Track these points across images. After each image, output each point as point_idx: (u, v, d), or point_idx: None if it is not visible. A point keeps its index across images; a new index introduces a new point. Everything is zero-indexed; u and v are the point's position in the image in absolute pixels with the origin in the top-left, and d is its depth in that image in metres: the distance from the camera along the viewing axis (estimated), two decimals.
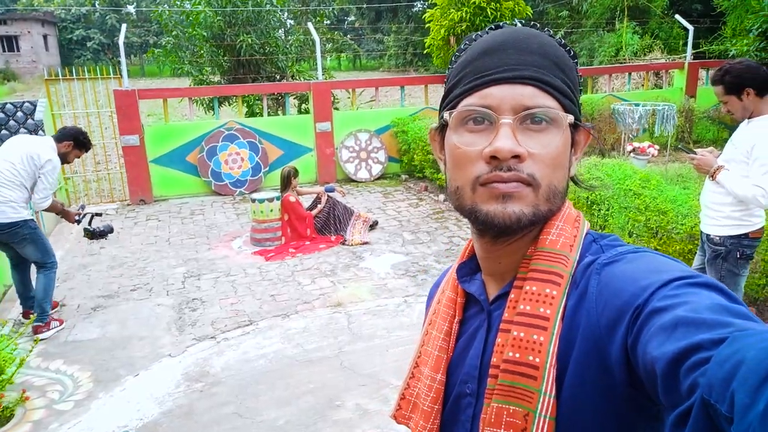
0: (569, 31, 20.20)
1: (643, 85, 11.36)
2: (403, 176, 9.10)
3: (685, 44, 13.57)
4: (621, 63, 14.60)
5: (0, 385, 3.21)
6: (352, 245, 6.07)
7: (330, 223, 6.37)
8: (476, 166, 0.69)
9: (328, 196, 6.50)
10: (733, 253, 3.08)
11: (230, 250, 6.10)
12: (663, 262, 0.64)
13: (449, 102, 0.74)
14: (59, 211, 4.58)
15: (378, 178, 9.08)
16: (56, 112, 8.13)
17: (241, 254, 5.98)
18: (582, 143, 0.76)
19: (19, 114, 9.40)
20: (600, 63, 16.76)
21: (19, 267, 4.50)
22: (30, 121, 9.37)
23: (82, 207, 4.82)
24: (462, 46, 0.76)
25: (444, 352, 0.81)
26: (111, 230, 4.85)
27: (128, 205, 8.09)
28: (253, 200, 6.14)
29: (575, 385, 0.65)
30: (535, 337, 0.66)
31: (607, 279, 0.65)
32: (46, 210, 4.42)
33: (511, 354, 0.67)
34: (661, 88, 11.35)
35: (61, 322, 4.52)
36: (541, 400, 0.65)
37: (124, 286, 5.20)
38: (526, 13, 9.10)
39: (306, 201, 6.68)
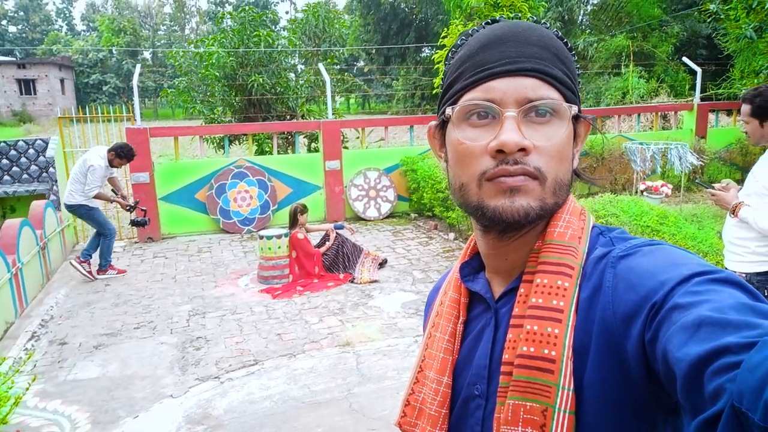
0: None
1: (651, 128, 11.37)
2: (413, 215, 9.03)
3: (691, 88, 13.65)
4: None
5: None
6: (360, 283, 5.94)
7: (338, 260, 6.26)
8: (481, 162, 0.68)
9: (336, 233, 6.42)
10: (760, 290, 2.94)
11: (237, 288, 5.99)
12: (681, 256, 0.63)
13: (450, 97, 0.72)
14: (110, 200, 6.42)
15: (387, 217, 9.02)
16: (68, 149, 8.20)
17: (247, 292, 5.86)
18: (583, 135, 0.75)
19: (31, 151, 9.50)
20: (607, 105, 16.88)
21: (97, 233, 6.42)
22: (41, 158, 9.47)
23: (137, 202, 6.68)
24: (458, 42, 0.75)
25: (449, 354, 0.79)
26: (147, 222, 6.69)
27: (136, 242, 8.04)
28: (261, 237, 6.07)
29: (594, 379, 0.63)
30: (550, 329, 0.65)
31: (623, 273, 0.64)
32: (96, 197, 6.15)
33: (525, 348, 0.65)
34: (668, 130, 11.35)
35: (121, 272, 6.47)
36: (559, 394, 0.63)
37: (127, 324, 5.08)
38: None
39: (315, 238, 6.59)
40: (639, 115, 11.37)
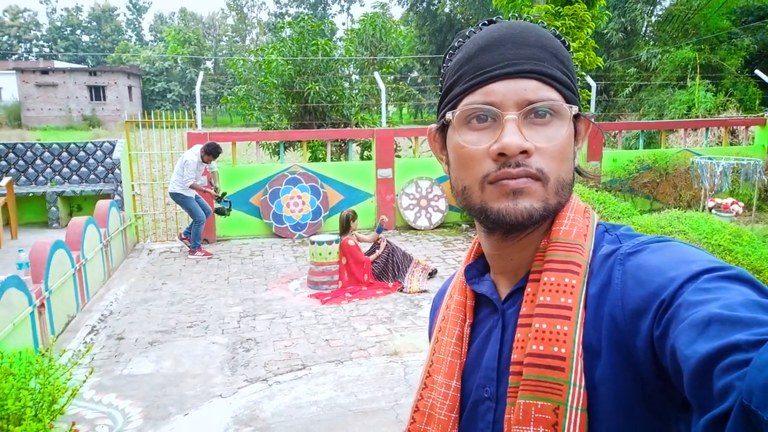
0: (638, 86, 19.78)
1: (720, 143, 10.81)
2: (464, 226, 8.89)
3: (762, 103, 12.90)
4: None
5: (51, 415, 3.15)
6: (410, 293, 5.87)
7: (388, 269, 6.21)
8: (483, 165, 0.68)
9: (387, 242, 6.37)
10: None
11: (287, 292, 6.03)
12: (690, 252, 0.62)
13: (450, 101, 0.72)
14: (203, 190, 7.48)
15: (437, 227, 8.92)
16: (133, 152, 8.54)
17: (297, 296, 5.89)
18: (583, 133, 0.75)
19: (99, 153, 9.96)
20: (671, 119, 16.19)
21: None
22: (108, 159, 9.90)
23: (224, 193, 7.75)
24: (456, 44, 0.75)
25: (457, 358, 0.78)
26: (228, 214, 7.73)
27: None
28: (313, 242, 6.10)
29: (606, 376, 0.63)
30: (559, 327, 0.65)
31: (632, 269, 0.64)
32: (192, 187, 7.25)
33: (534, 347, 0.65)
34: (736, 146, 10.76)
35: (207, 254, 7.50)
36: (570, 391, 0.62)
37: (181, 323, 5.19)
38: (597, 64, 8.93)
39: (365, 246, 6.57)
40: (707, 129, 10.84)
